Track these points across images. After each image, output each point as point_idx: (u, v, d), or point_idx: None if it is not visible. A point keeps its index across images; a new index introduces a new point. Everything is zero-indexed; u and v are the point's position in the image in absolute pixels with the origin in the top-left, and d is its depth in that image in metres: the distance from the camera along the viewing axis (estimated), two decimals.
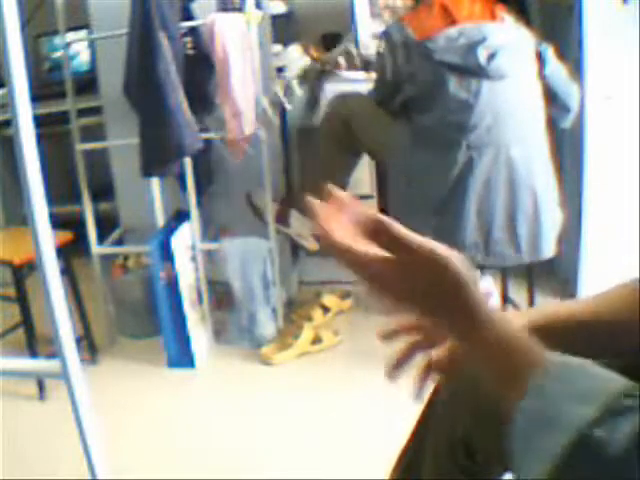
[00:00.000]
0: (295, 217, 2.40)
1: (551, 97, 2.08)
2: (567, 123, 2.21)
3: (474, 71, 1.93)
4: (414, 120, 2.07)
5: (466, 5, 2.00)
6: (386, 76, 2.15)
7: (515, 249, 2.03)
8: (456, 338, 0.69)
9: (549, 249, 2.08)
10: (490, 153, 1.96)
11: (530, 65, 2.02)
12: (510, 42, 1.97)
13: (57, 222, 1.59)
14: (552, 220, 2.07)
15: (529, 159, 2.00)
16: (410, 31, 2.00)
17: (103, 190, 2.77)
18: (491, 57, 1.92)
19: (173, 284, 2.27)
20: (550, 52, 2.06)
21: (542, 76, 2.05)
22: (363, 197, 2.72)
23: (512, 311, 0.80)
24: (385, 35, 2.09)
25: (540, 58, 2.04)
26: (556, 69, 2.08)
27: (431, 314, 0.68)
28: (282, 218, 2.41)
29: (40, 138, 1.25)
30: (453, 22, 1.97)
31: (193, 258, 2.40)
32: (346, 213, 0.68)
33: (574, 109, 2.17)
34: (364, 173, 2.64)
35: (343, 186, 2.42)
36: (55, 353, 1.32)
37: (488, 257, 2.04)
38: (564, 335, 0.84)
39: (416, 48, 1.98)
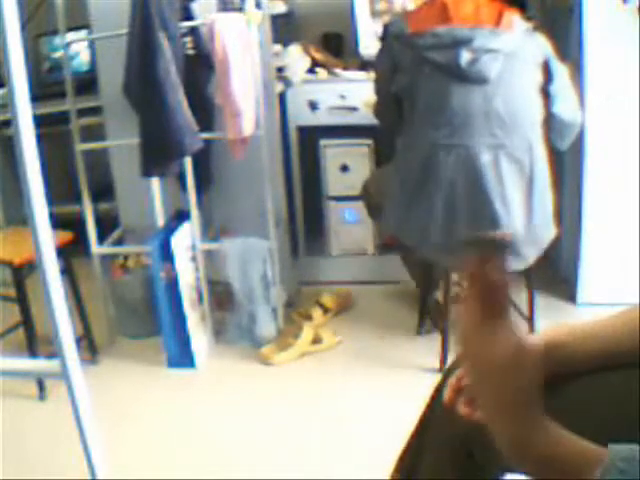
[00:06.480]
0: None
1: (549, 118, 2.03)
2: (564, 146, 2.15)
3: (454, 71, 1.93)
4: (403, 109, 2.09)
5: (468, 7, 1.97)
6: (382, 66, 2.17)
7: None
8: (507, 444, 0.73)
9: (519, 261, 2.01)
10: (457, 154, 1.96)
11: (526, 76, 1.97)
12: (505, 49, 1.91)
13: (57, 222, 1.59)
14: (530, 234, 2.00)
15: (501, 167, 1.96)
16: (405, 25, 2.02)
17: (103, 190, 2.76)
18: (474, 60, 1.90)
19: (173, 284, 2.27)
20: (559, 69, 2.00)
21: (545, 91, 2.01)
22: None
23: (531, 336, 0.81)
24: (385, 28, 2.16)
25: (548, 73, 1.99)
26: (561, 88, 2.02)
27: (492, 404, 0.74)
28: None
29: (40, 138, 1.25)
30: (448, 21, 1.96)
31: (193, 258, 2.40)
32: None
33: (571, 137, 2.13)
34: (364, 173, 2.64)
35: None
36: (55, 353, 1.32)
37: (452, 259, 2.00)
38: (585, 351, 0.85)
39: (406, 41, 2.01)
